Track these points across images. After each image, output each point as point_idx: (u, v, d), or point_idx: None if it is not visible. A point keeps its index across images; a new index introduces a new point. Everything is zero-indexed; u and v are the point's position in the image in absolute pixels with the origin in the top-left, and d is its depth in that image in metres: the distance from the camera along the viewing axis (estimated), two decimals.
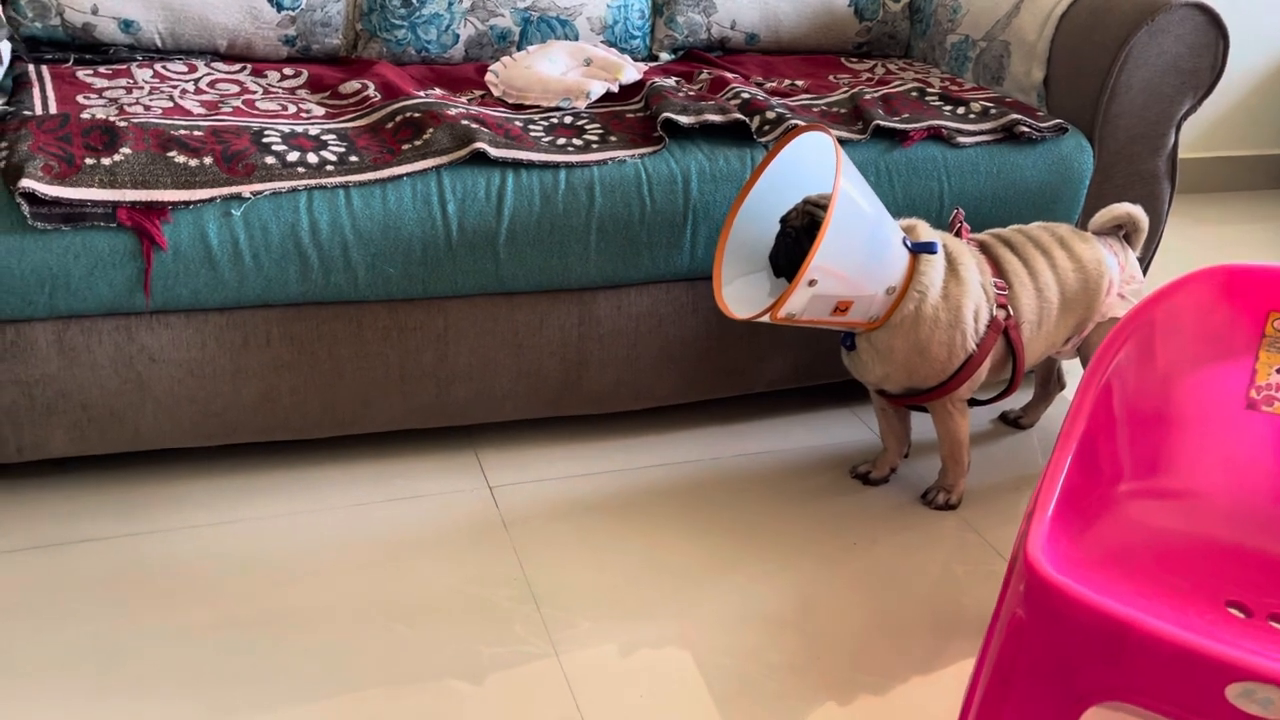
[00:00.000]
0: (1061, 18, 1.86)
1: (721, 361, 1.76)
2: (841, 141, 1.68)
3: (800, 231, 1.47)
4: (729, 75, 1.87)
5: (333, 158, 1.49)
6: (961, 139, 1.73)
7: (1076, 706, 1.00)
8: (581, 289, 1.63)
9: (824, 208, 1.45)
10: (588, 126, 1.66)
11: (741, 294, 1.53)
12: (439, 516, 1.56)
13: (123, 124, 1.47)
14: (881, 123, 1.70)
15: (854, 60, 2.14)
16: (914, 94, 1.87)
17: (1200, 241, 2.78)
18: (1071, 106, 1.84)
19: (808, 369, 1.82)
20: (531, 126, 1.65)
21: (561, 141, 1.60)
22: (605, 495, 1.63)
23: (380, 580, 1.42)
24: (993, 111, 1.79)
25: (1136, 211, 1.65)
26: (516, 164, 1.54)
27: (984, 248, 1.59)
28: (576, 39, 1.99)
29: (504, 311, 1.60)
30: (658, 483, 1.67)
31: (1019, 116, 1.76)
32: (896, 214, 1.71)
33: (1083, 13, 1.84)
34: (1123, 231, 1.67)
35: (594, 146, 1.60)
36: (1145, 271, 1.95)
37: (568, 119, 1.68)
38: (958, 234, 1.59)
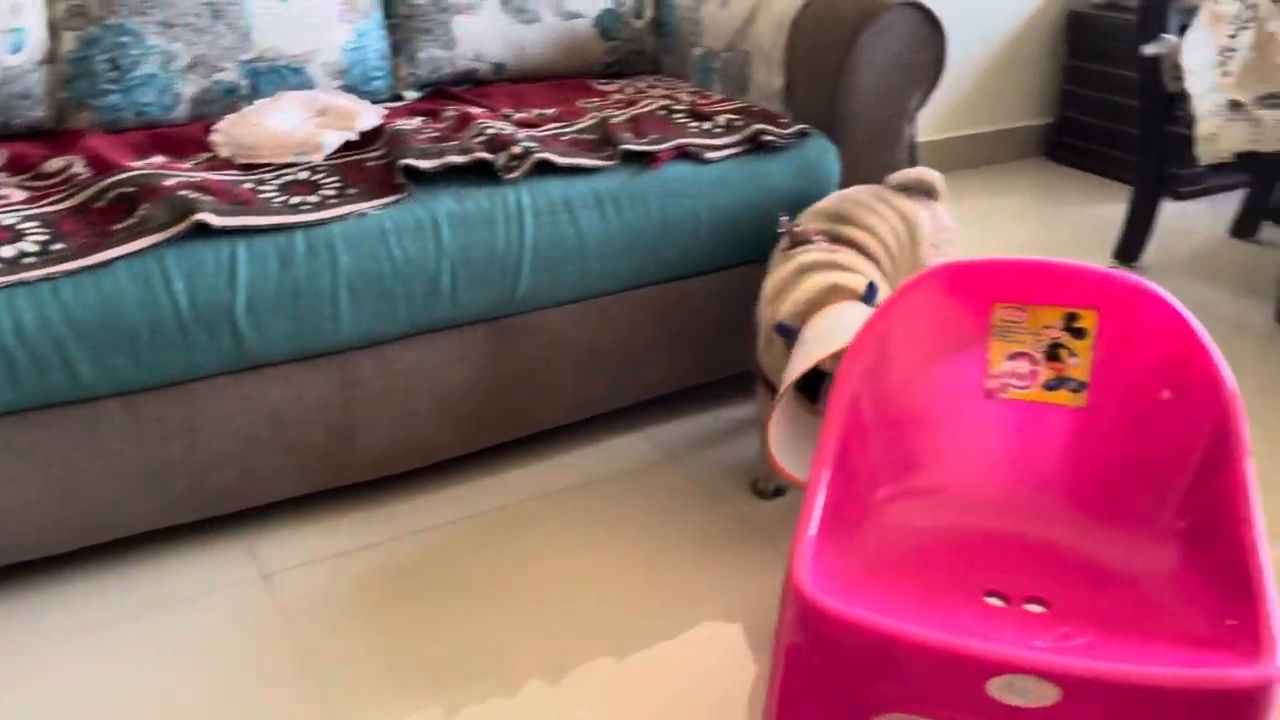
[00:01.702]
0: (793, 24, 1.91)
1: (502, 405, 1.71)
2: (592, 170, 1.66)
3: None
4: (474, 110, 1.82)
5: (33, 248, 1.35)
6: (709, 155, 1.74)
7: None
8: (338, 352, 1.55)
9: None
10: (324, 181, 1.58)
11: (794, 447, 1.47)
12: (210, 616, 1.44)
13: None
14: (628, 147, 1.69)
15: (604, 82, 2.13)
16: (661, 113, 1.87)
17: (962, 218, 2.93)
18: (813, 110, 1.88)
19: (592, 400, 1.80)
20: (264, 187, 1.55)
21: (296, 200, 1.52)
22: (394, 565, 1.55)
23: (148, 695, 1.30)
24: (737, 124, 1.81)
25: (924, 173, 1.72)
26: (246, 231, 1.44)
27: (834, 238, 1.59)
28: (313, 87, 1.90)
29: (255, 387, 1.50)
30: (451, 542, 1.60)
31: (762, 126, 1.79)
32: (656, 237, 1.70)
33: (812, 18, 1.88)
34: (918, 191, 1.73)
35: (332, 202, 1.52)
36: None
37: (303, 174, 1.60)
38: (803, 241, 1.58)
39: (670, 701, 1.31)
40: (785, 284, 1.50)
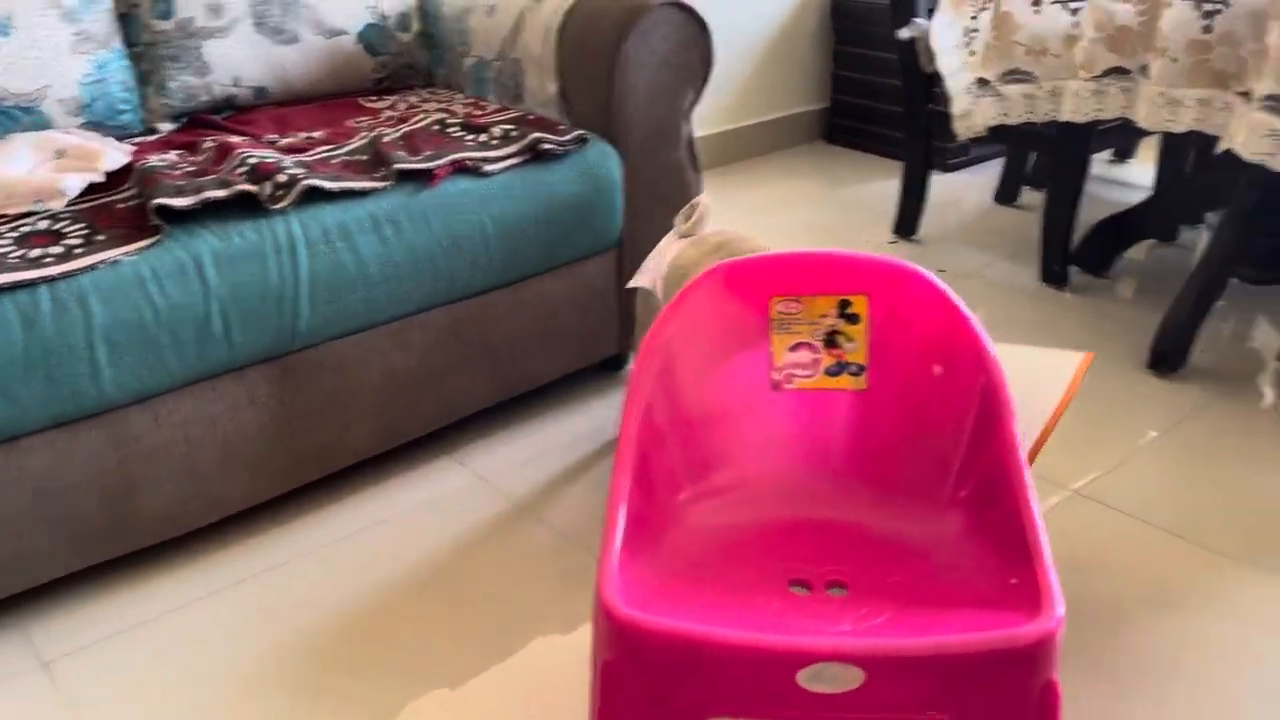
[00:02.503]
0: (560, 29, 1.90)
1: (297, 445, 1.63)
2: (367, 193, 1.60)
3: None
4: (235, 139, 1.72)
5: None
6: (488, 167, 1.71)
7: None
8: (104, 411, 1.43)
9: None
10: (68, 229, 1.45)
11: None
12: None
13: None
14: (403, 166, 1.64)
15: (374, 99, 2.06)
16: (435, 128, 1.82)
17: (750, 206, 3.00)
18: (589, 114, 1.88)
19: (396, 430, 1.74)
20: None
21: (36, 253, 1.39)
22: (192, 633, 1.45)
23: None
24: (514, 134, 1.79)
25: (699, 202, 1.67)
26: None
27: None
28: (49, 127, 1.75)
29: (12, 460, 1.37)
30: (256, 598, 1.51)
31: (540, 134, 1.77)
32: (443, 256, 1.66)
33: (577, 23, 1.88)
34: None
35: (78, 251, 1.40)
36: None
37: (43, 224, 1.47)
38: None
39: None
40: None
